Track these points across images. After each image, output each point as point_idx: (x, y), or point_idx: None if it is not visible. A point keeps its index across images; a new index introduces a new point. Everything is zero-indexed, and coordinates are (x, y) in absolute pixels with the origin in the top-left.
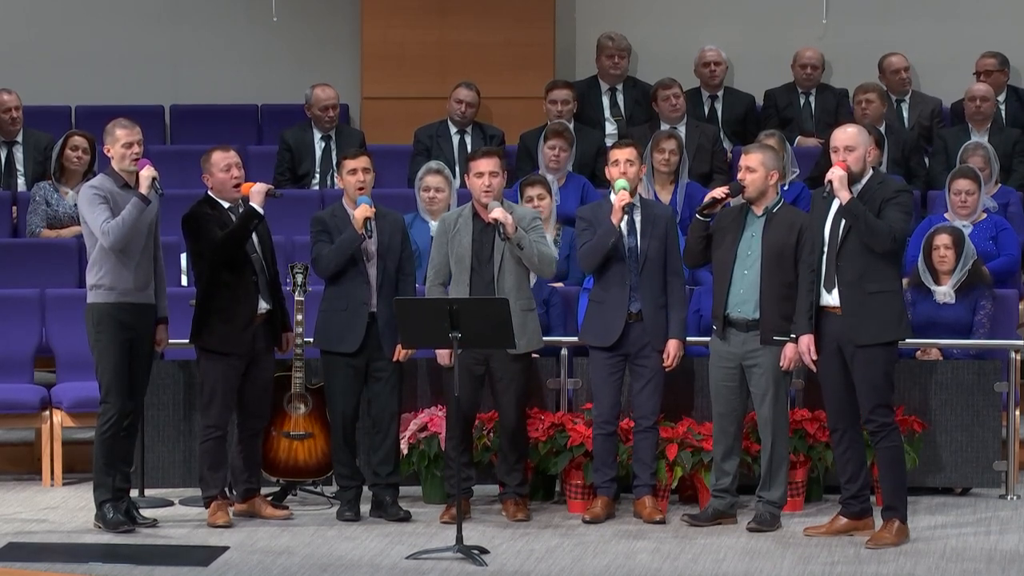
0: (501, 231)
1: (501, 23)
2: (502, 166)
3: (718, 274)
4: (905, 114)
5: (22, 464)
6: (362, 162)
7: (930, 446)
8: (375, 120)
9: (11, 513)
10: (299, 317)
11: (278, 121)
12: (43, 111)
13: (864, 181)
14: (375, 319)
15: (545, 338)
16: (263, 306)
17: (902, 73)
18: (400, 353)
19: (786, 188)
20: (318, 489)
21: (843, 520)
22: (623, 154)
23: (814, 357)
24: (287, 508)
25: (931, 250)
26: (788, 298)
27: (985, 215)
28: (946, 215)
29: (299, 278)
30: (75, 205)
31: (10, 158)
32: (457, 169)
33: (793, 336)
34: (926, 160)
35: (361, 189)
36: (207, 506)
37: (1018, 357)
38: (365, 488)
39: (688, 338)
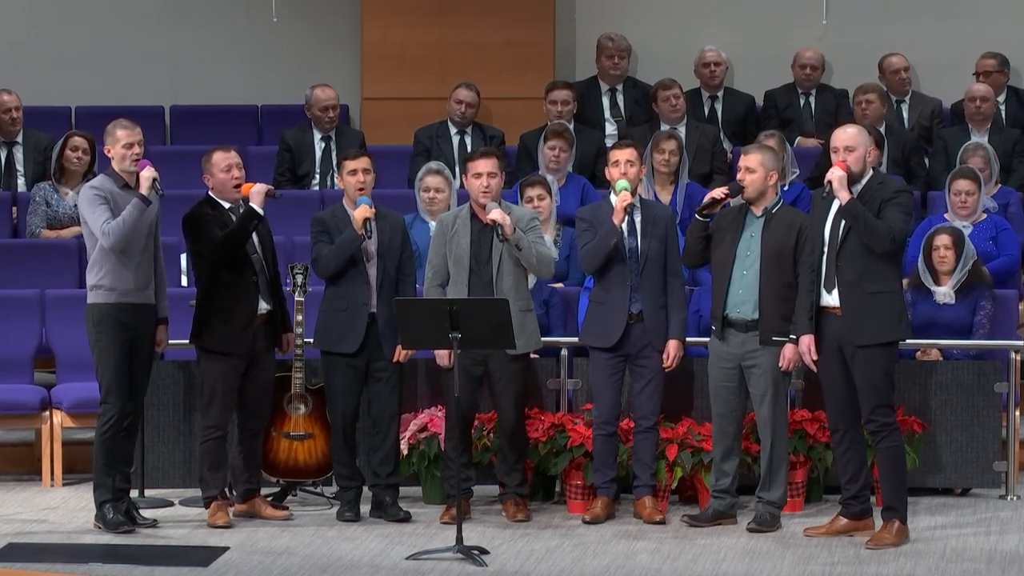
0: (499, 232)
1: (501, 23)
2: (500, 167)
3: (717, 274)
4: (905, 114)
5: (22, 464)
6: (362, 163)
7: (930, 446)
8: (375, 120)
9: (11, 513)
10: (299, 317)
11: (278, 121)
12: (43, 111)
13: (864, 181)
14: (375, 319)
15: (545, 339)
16: (263, 306)
17: (902, 73)
18: (400, 354)
19: (786, 188)
20: (318, 489)
21: (843, 520)
22: (623, 155)
23: (815, 357)
24: (287, 508)
25: (931, 250)
26: (787, 299)
27: (985, 215)
28: (946, 215)
29: (299, 278)
30: (75, 206)
31: (10, 158)
32: (457, 169)
33: (792, 336)
34: (926, 160)
35: (361, 190)
36: (207, 506)
37: (1018, 357)
38: (365, 488)
39: (688, 338)
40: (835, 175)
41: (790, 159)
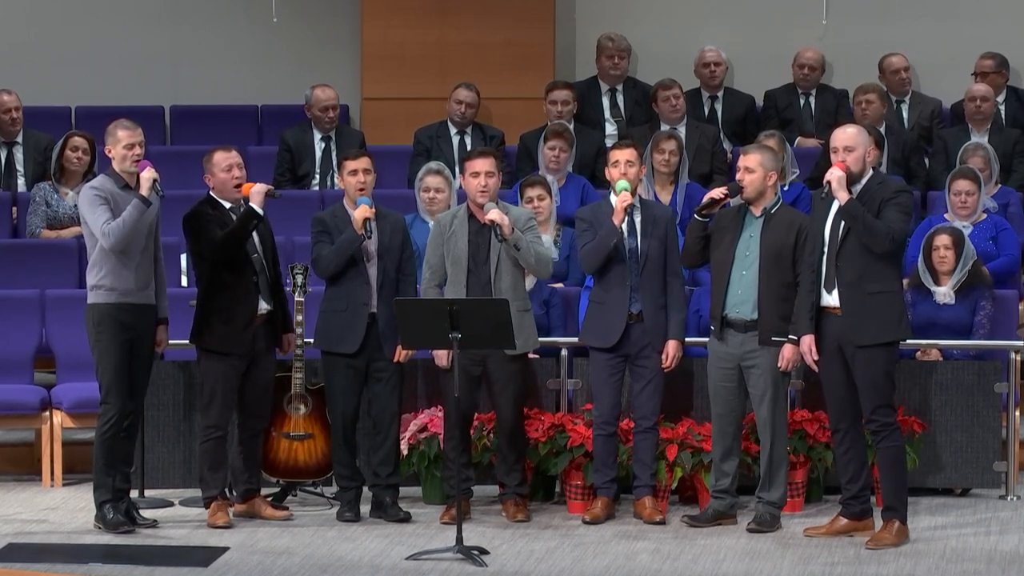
0: (498, 233)
1: (501, 23)
2: (498, 166)
3: (716, 275)
4: (905, 114)
5: (22, 464)
6: (363, 163)
7: (930, 447)
8: (375, 120)
9: (11, 514)
10: (299, 318)
11: (278, 121)
12: (43, 111)
13: (864, 181)
14: (375, 320)
15: (545, 339)
16: (263, 306)
17: (902, 73)
18: (400, 354)
19: (786, 189)
20: (318, 490)
21: (843, 520)
22: (623, 155)
23: (815, 357)
24: (287, 509)
25: (931, 251)
26: (786, 299)
27: (985, 215)
28: (946, 216)
29: (299, 279)
30: (75, 206)
31: (10, 159)
32: (457, 170)
33: (791, 337)
34: (926, 161)
35: (362, 190)
36: (207, 506)
37: (1018, 358)
38: (365, 489)
39: (688, 339)
40: (834, 175)
41: (790, 159)
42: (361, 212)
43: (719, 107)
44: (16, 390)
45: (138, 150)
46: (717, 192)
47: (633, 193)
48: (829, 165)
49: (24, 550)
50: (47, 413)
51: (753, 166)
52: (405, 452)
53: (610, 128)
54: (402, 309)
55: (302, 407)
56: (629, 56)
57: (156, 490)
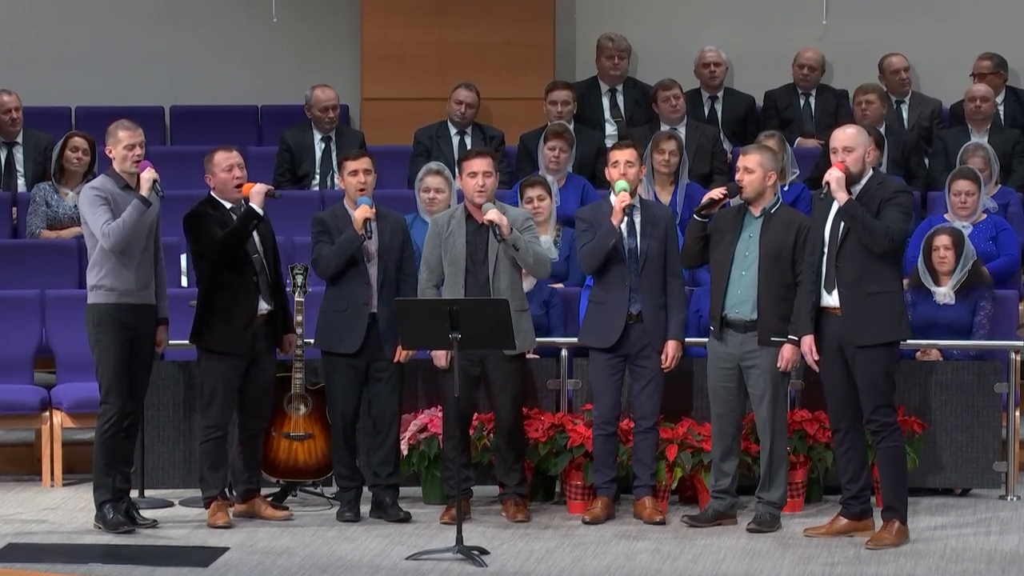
0: (497, 233)
1: (501, 23)
2: (495, 166)
3: (715, 275)
4: (905, 115)
5: (22, 464)
6: (363, 163)
7: (930, 447)
8: (375, 121)
9: (11, 514)
10: (299, 318)
11: (278, 121)
12: (43, 111)
13: (864, 182)
14: (376, 320)
15: (545, 339)
16: (263, 307)
17: (902, 73)
18: (401, 354)
19: (786, 189)
20: (318, 490)
21: (843, 521)
22: (623, 155)
23: (816, 357)
24: (287, 509)
25: (931, 251)
26: (786, 299)
27: (985, 216)
28: (946, 216)
29: (299, 279)
30: (75, 206)
31: (10, 159)
32: (457, 170)
33: (791, 337)
34: (926, 161)
35: (362, 190)
36: (207, 506)
37: (1018, 358)
38: (365, 489)
39: (688, 339)
40: (833, 176)
41: (790, 159)
42: (361, 212)
43: (719, 107)
44: (16, 390)
45: (138, 150)
46: (716, 192)
47: (633, 193)
48: (829, 165)
49: (24, 550)
50: (47, 413)
51: (752, 166)
52: (405, 452)
53: (610, 128)
54: (402, 309)
55: (302, 407)
56: (629, 56)
57: (156, 490)
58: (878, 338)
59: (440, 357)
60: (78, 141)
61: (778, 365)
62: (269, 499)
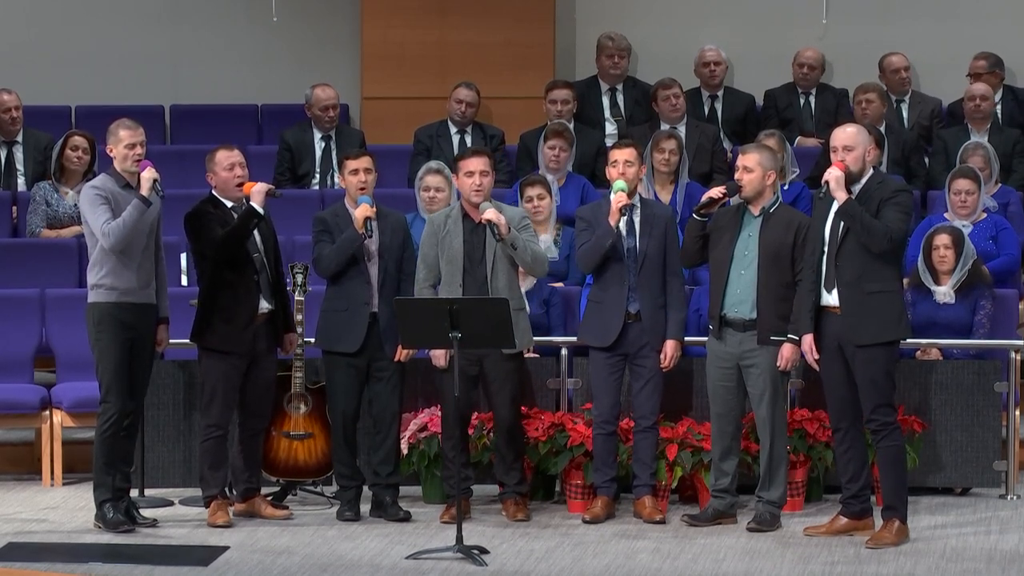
0: (495, 232)
1: (501, 23)
2: (491, 165)
3: (715, 274)
4: (905, 114)
5: (22, 464)
6: (364, 162)
7: (930, 446)
8: (375, 120)
9: (11, 513)
10: (299, 317)
11: (278, 121)
12: (43, 111)
13: (864, 181)
14: (376, 319)
15: (545, 338)
16: (264, 306)
17: (902, 73)
18: (402, 353)
19: (786, 188)
20: (318, 489)
21: (843, 520)
22: (622, 155)
23: (816, 356)
24: (287, 508)
25: (931, 250)
26: (785, 298)
27: (985, 215)
28: (946, 215)
29: (299, 278)
30: (75, 205)
31: (10, 158)
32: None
33: (791, 336)
34: (926, 160)
35: (363, 189)
36: (207, 506)
37: (1018, 357)
38: (365, 488)
39: (688, 338)
40: (832, 175)
41: (790, 159)
42: (362, 211)
43: (719, 106)
44: (16, 390)
45: (139, 150)
46: (715, 191)
47: (632, 193)
48: (829, 164)
49: (24, 549)
50: (47, 412)
51: (752, 165)
52: (405, 451)
53: (610, 128)
54: (402, 308)
55: (302, 406)
56: (629, 56)
57: (156, 489)
58: (878, 337)
59: (439, 357)
60: (78, 140)
61: (777, 364)
62: (269, 498)
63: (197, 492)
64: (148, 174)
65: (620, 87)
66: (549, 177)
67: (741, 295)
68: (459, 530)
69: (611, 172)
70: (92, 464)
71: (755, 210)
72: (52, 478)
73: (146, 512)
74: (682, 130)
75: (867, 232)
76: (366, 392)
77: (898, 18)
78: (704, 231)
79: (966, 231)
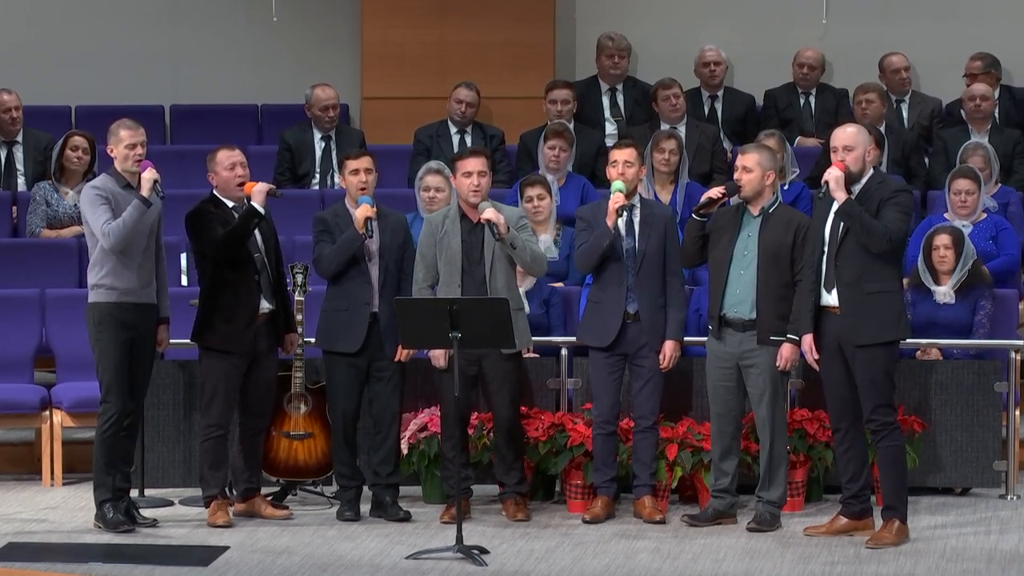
0: (495, 232)
1: (501, 23)
2: (489, 165)
3: (714, 274)
4: (905, 114)
5: (22, 464)
6: (364, 162)
7: (930, 446)
8: (375, 120)
9: (11, 513)
10: (299, 317)
11: (278, 121)
12: (43, 111)
13: (864, 181)
14: (377, 319)
15: (545, 338)
16: (265, 306)
17: (902, 73)
18: (402, 353)
19: (786, 188)
20: (318, 489)
21: (843, 520)
22: (622, 155)
23: (816, 356)
24: (287, 508)
25: (931, 250)
26: (785, 298)
27: (985, 215)
28: (946, 215)
29: (299, 278)
30: (75, 205)
31: (10, 158)
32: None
33: (791, 336)
34: (926, 160)
35: (363, 189)
36: (207, 506)
37: (1018, 357)
38: (365, 488)
39: (688, 338)
40: (832, 175)
41: (790, 158)
42: (362, 211)
43: (719, 106)
44: (16, 390)
45: (140, 150)
46: (715, 191)
47: (632, 193)
48: (829, 164)
49: (24, 549)
50: (47, 412)
51: (751, 165)
52: (405, 451)
53: (610, 128)
54: (402, 308)
55: (302, 406)
56: (629, 56)
57: (156, 489)
58: (877, 337)
59: (438, 357)
60: (78, 140)
61: (777, 364)
62: (269, 498)
63: (197, 492)
64: (148, 174)
65: (620, 87)
66: (549, 177)
67: (740, 295)
68: (459, 530)
69: (611, 172)
70: (92, 464)
71: (754, 210)
72: (52, 478)
73: (146, 512)
74: (682, 130)
75: (866, 232)
76: (366, 392)
77: (898, 18)
78: (703, 231)
79: (966, 231)
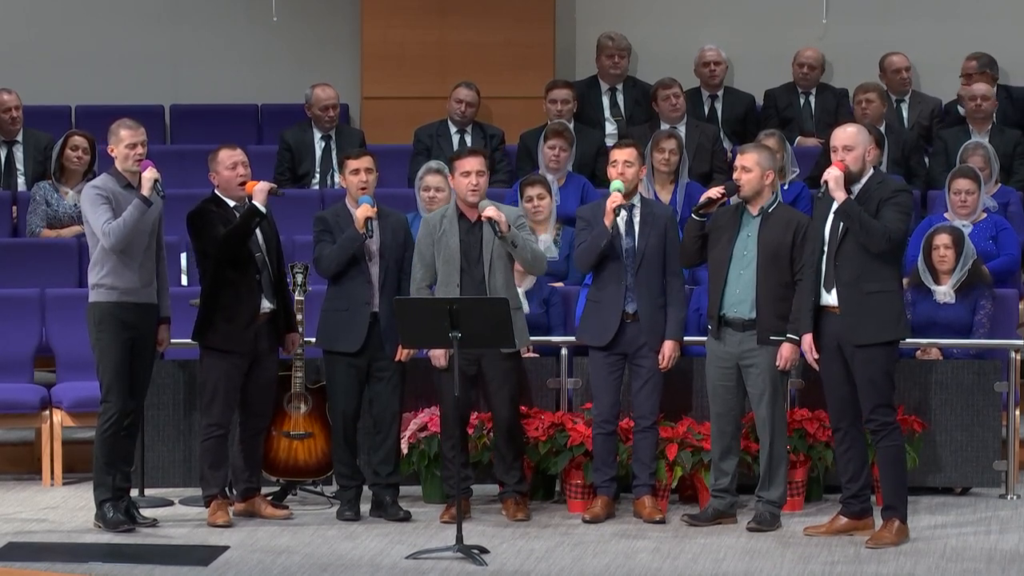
0: (496, 229)
1: (501, 23)
2: (487, 164)
3: (714, 274)
4: (905, 114)
5: (22, 464)
6: (365, 162)
7: (930, 446)
8: (375, 120)
9: (11, 513)
10: (299, 317)
11: (278, 121)
12: (43, 111)
13: (864, 181)
14: (377, 319)
15: (545, 338)
16: (266, 305)
17: (903, 73)
18: (402, 353)
19: (786, 188)
20: (318, 489)
21: (843, 520)
22: (622, 155)
23: (816, 356)
24: (287, 508)
25: (931, 250)
26: (784, 298)
27: (985, 215)
28: (946, 215)
29: (299, 278)
30: (75, 205)
31: (10, 158)
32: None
33: (791, 336)
34: (926, 160)
35: (363, 189)
36: (207, 505)
37: (1018, 357)
38: (365, 488)
39: (689, 337)
40: (831, 175)
41: (790, 158)
42: (362, 211)
43: (719, 106)
44: (16, 389)
45: (140, 149)
46: (714, 192)
47: (632, 193)
48: (829, 164)
49: (24, 549)
50: (47, 412)
51: (750, 165)
52: (405, 451)
53: (610, 127)
54: (402, 308)
55: (302, 406)
56: (629, 55)
57: (156, 489)
58: (876, 337)
59: (438, 357)
60: (78, 140)
61: (777, 364)
62: (269, 498)
63: (197, 492)
64: (149, 174)
65: (620, 87)
66: (549, 177)
67: (740, 295)
68: (459, 530)
69: (611, 172)
70: (92, 464)
71: (753, 210)
72: (52, 478)
73: (146, 512)
74: (682, 130)
75: (865, 232)
76: (366, 392)
77: (898, 18)
78: (703, 231)
79: (966, 231)
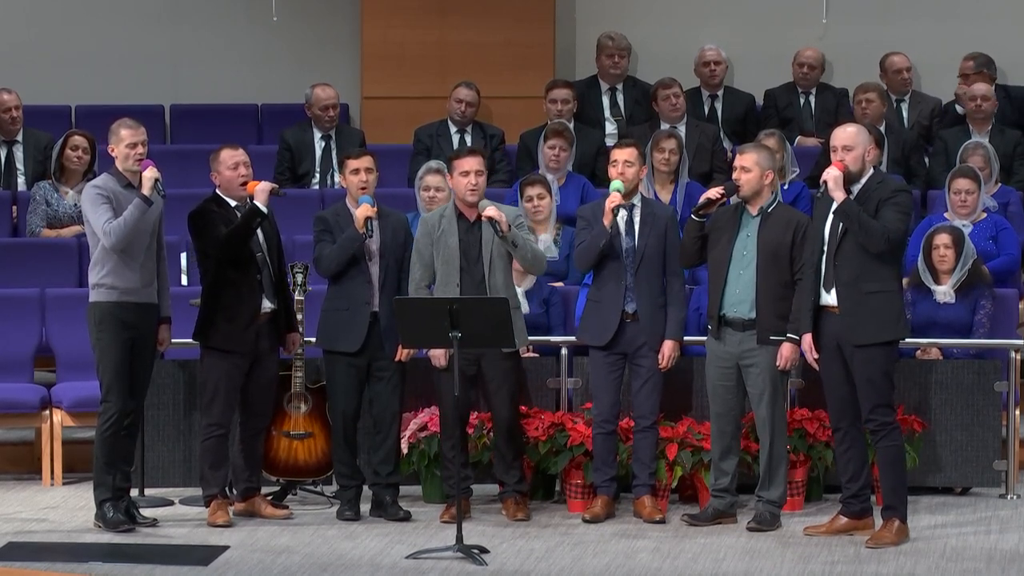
0: (497, 229)
1: (501, 23)
2: (485, 164)
3: (713, 274)
4: (905, 114)
5: (22, 464)
6: (365, 162)
7: (930, 446)
8: (375, 120)
9: (11, 513)
10: (299, 316)
11: (278, 121)
12: (43, 111)
13: (863, 181)
14: (377, 319)
15: (545, 337)
16: (267, 305)
17: (904, 73)
18: (402, 353)
19: (786, 188)
20: (318, 488)
21: (843, 519)
22: (622, 155)
23: (816, 356)
24: (287, 507)
25: (931, 250)
26: (784, 298)
27: (985, 215)
28: (946, 215)
29: (299, 277)
30: (75, 205)
31: (10, 158)
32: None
33: (791, 335)
34: (926, 160)
35: (364, 189)
36: (207, 505)
37: (1018, 357)
38: (365, 488)
39: (689, 337)
40: (831, 175)
41: (790, 158)
42: (362, 211)
43: (719, 106)
44: (16, 389)
45: (140, 149)
46: (714, 192)
47: (632, 193)
48: (829, 164)
49: (24, 549)
50: (47, 412)
51: (749, 165)
52: (405, 451)
53: (610, 127)
54: (401, 308)
55: (302, 406)
56: (629, 55)
57: (156, 489)
58: (876, 337)
59: (438, 356)
60: (78, 140)
61: (777, 364)
62: (269, 498)
63: (197, 492)
64: (149, 173)
65: (620, 87)
66: (549, 177)
67: (740, 295)
68: (459, 530)
69: (612, 172)
70: (92, 464)
71: (753, 210)
72: (52, 478)
73: (146, 512)
74: (682, 130)
75: (865, 232)
76: (366, 392)
77: (898, 18)
78: (703, 231)
79: (966, 231)
